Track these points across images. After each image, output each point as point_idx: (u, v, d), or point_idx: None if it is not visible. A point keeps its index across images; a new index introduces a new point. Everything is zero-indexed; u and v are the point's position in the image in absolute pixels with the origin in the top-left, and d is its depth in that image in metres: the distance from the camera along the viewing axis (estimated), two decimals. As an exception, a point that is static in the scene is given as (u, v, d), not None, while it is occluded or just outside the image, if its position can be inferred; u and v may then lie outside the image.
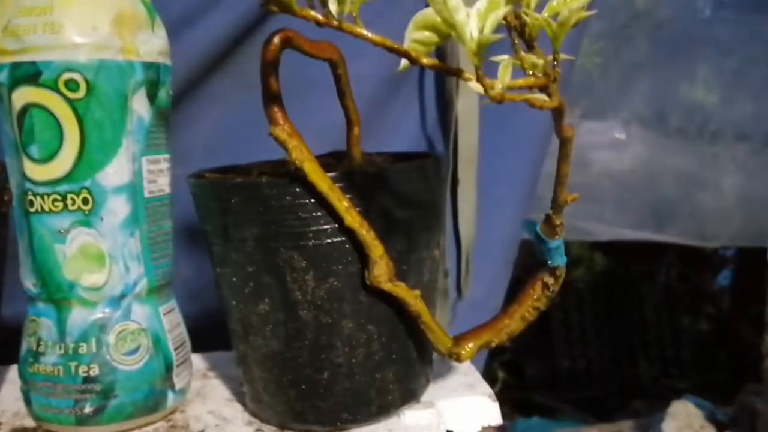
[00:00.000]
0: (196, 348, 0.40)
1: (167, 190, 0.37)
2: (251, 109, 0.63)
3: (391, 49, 0.25)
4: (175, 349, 0.36)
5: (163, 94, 0.36)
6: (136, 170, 0.34)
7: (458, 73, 0.24)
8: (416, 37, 0.25)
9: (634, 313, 1.84)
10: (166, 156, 0.36)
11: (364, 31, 0.24)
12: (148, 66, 0.34)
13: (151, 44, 0.35)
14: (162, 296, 0.36)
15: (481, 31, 0.22)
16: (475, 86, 0.23)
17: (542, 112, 0.26)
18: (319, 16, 0.24)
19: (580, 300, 1.86)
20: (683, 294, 1.91)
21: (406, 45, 0.25)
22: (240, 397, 0.38)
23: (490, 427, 0.37)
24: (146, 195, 0.35)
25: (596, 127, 1.09)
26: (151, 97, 0.35)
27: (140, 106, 0.34)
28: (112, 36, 0.33)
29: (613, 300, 1.84)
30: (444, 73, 0.24)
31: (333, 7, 0.25)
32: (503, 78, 0.23)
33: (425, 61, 0.25)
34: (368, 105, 0.65)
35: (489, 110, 0.66)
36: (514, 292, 0.33)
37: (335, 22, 0.24)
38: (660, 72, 1.08)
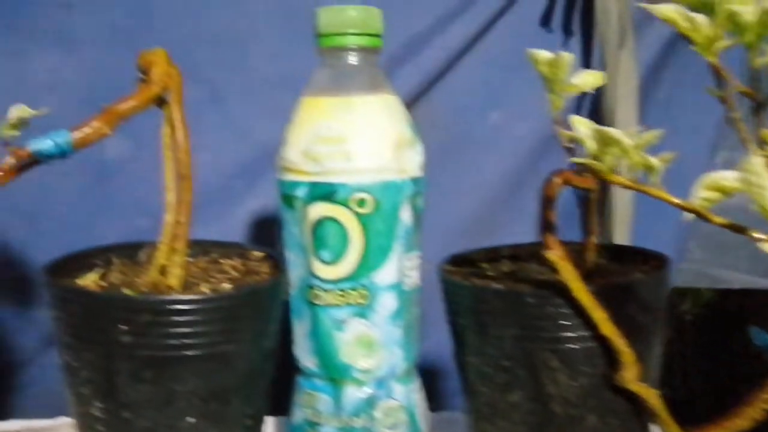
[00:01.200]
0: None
1: (418, 282, 0.42)
2: (434, 149, 0.69)
3: (681, 207, 0.29)
4: (422, 420, 0.42)
5: (420, 201, 0.41)
6: (400, 269, 0.40)
7: (756, 237, 0.28)
8: (704, 195, 0.29)
9: (737, 348, 1.81)
10: (418, 253, 0.42)
11: (664, 194, 0.29)
12: (414, 180, 0.40)
13: (415, 161, 0.40)
14: (412, 375, 0.42)
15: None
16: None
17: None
18: (627, 181, 0.29)
19: (683, 332, 1.85)
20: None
21: (695, 202, 0.29)
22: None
23: None
24: (406, 288, 0.40)
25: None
26: (413, 205, 0.40)
27: (405, 215, 0.40)
28: (392, 160, 0.38)
29: (718, 334, 1.81)
30: (732, 230, 0.27)
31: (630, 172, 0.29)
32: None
33: (715, 219, 0.29)
34: (525, 162, 0.70)
35: (641, 198, 0.69)
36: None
37: (639, 186, 0.29)
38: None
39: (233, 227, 0.64)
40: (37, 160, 0.37)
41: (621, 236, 0.69)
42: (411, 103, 0.65)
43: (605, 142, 0.27)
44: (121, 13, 0.61)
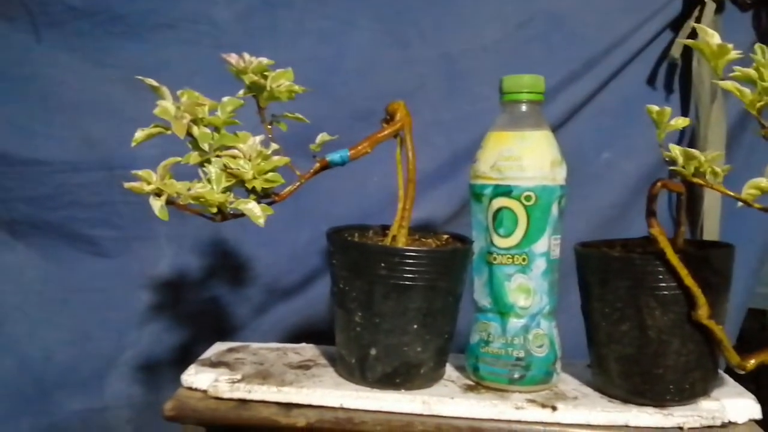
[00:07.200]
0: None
1: (559, 255, 0.63)
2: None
3: (733, 197, 0.49)
4: (558, 348, 0.62)
5: (564, 201, 0.62)
6: (549, 244, 0.61)
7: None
8: (748, 191, 0.49)
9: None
10: (559, 236, 0.63)
11: (723, 189, 0.49)
12: (561, 187, 0.62)
13: (562, 174, 0.62)
14: (553, 316, 0.63)
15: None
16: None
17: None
18: (702, 181, 0.50)
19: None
20: None
21: (743, 195, 0.49)
22: (588, 381, 0.63)
23: (753, 420, 0.58)
24: (552, 258, 0.62)
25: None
26: (559, 203, 0.62)
27: (555, 209, 0.61)
28: (549, 171, 0.60)
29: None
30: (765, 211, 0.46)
31: None
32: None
33: (755, 205, 0.49)
34: (630, 194, 0.89)
35: (729, 203, 0.87)
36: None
37: (707, 183, 0.49)
38: None
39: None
40: (329, 166, 0.61)
41: (711, 232, 0.86)
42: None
43: (688, 157, 0.48)
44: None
